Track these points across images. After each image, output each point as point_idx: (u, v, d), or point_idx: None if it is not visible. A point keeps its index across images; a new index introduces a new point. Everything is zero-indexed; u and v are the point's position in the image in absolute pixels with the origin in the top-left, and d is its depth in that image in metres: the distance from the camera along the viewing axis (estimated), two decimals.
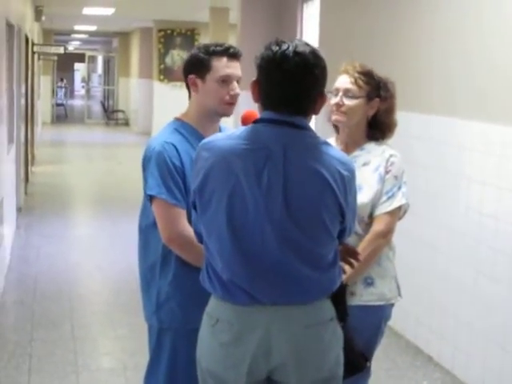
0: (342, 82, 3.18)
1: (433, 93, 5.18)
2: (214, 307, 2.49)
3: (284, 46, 2.37)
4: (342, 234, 2.51)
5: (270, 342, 2.40)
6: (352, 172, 2.47)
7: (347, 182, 2.42)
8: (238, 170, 2.37)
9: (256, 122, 2.45)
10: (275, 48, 2.38)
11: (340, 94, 3.16)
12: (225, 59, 2.88)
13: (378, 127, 3.21)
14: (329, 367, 2.48)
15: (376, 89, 3.17)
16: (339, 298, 2.54)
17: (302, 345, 2.42)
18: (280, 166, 2.36)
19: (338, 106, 3.15)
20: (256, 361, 2.41)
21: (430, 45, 5.22)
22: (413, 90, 5.37)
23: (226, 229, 2.38)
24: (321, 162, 2.38)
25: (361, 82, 3.15)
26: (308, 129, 2.44)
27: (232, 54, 2.90)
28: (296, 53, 2.36)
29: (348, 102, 3.15)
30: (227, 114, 2.96)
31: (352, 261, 2.76)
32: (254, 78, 2.44)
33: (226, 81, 2.88)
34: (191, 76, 2.89)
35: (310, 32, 8.11)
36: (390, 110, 3.22)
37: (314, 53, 2.39)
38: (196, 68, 2.89)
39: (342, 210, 2.42)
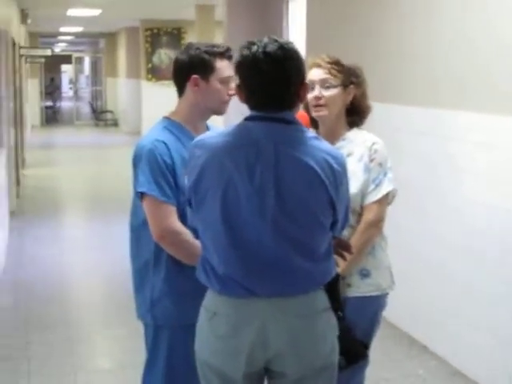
0: (315, 74, 3.13)
1: (416, 84, 5.22)
2: (211, 301, 2.52)
3: (253, 49, 2.41)
4: (333, 226, 2.53)
5: (267, 332, 2.44)
6: (342, 166, 2.50)
7: (337, 176, 2.45)
8: (230, 166, 2.40)
9: (245, 119, 2.49)
10: (246, 52, 2.42)
11: (317, 86, 3.13)
12: (226, 60, 2.94)
13: (356, 113, 3.22)
14: (324, 356, 2.52)
15: (348, 76, 3.17)
16: (333, 289, 2.58)
17: (298, 334, 2.45)
18: (271, 162, 2.39)
19: (318, 98, 3.12)
20: (253, 351, 2.45)
21: (412, 37, 5.24)
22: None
23: (221, 225, 2.42)
24: (311, 156, 2.41)
25: (334, 71, 3.13)
26: (296, 123, 2.48)
27: (230, 56, 2.95)
28: (265, 53, 2.39)
29: (327, 93, 3.13)
30: (223, 113, 3.03)
31: (345, 253, 2.80)
32: (236, 83, 2.49)
33: (226, 81, 2.94)
34: (195, 76, 2.91)
35: (296, 28, 8.13)
36: (364, 95, 3.24)
37: (282, 48, 2.41)
38: (200, 69, 2.91)
39: (333, 202, 2.45)
